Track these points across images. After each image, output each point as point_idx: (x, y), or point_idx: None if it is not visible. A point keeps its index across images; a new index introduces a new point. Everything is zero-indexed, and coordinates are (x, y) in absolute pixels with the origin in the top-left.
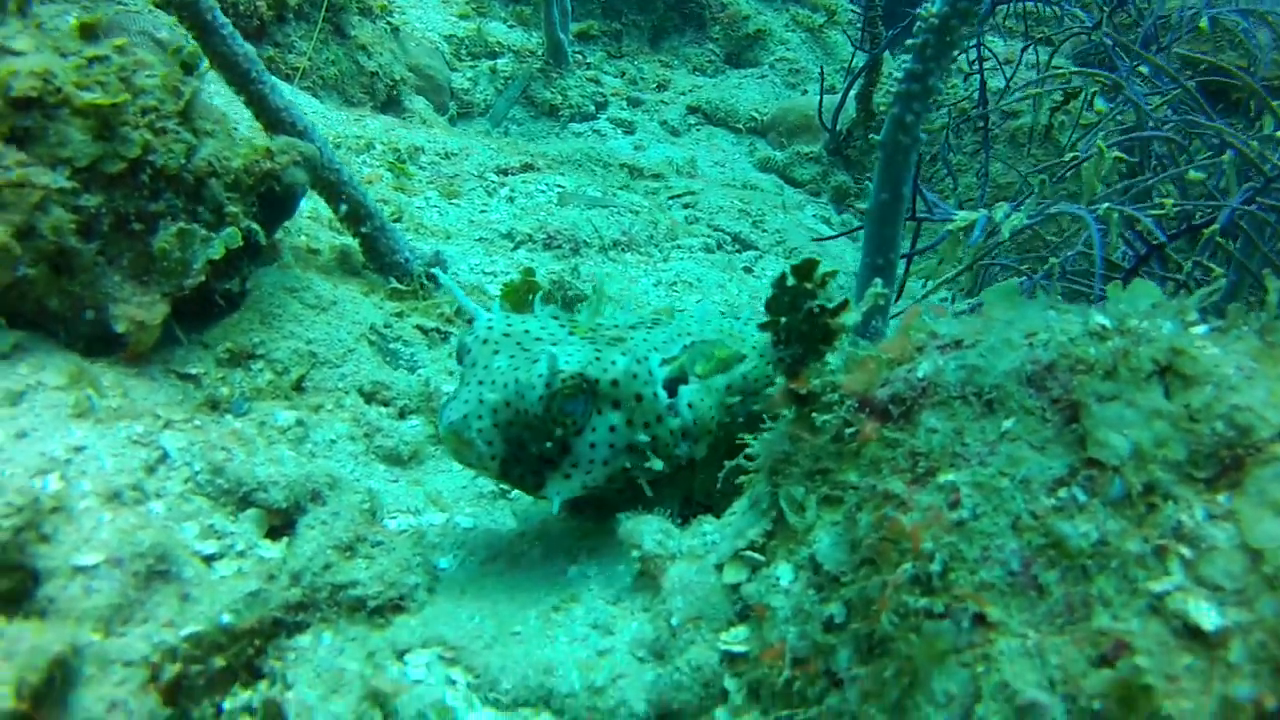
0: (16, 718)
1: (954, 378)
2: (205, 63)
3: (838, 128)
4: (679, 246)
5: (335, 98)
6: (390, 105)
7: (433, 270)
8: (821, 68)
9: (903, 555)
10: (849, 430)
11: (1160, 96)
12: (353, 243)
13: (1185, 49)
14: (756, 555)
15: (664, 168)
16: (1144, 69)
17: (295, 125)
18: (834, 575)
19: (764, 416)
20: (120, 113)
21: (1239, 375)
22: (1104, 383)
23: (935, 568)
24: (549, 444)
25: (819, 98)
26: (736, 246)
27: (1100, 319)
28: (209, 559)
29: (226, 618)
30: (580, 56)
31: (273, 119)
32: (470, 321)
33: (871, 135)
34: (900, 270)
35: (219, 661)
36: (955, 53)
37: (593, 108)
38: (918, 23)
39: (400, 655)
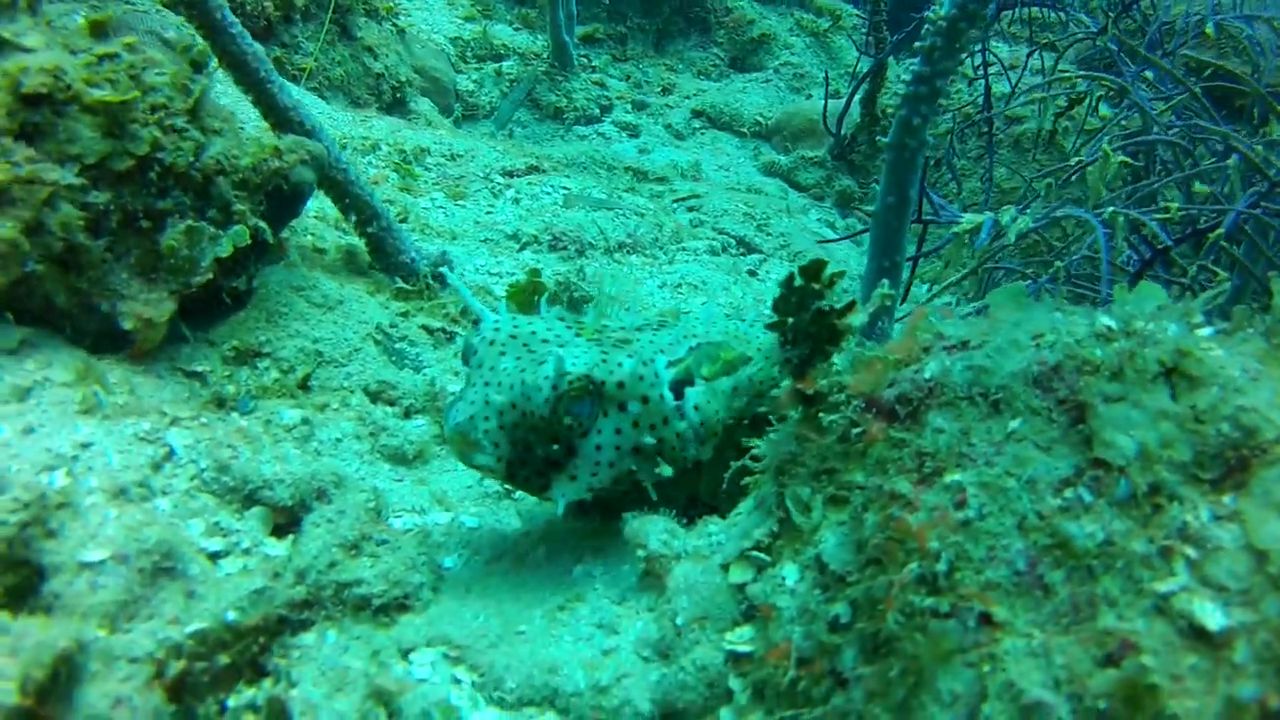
0: (22, 713)
1: (961, 378)
2: (214, 61)
3: (842, 132)
4: (684, 249)
5: (341, 98)
6: (396, 106)
7: (441, 270)
8: (826, 72)
9: (909, 555)
10: (855, 430)
11: (1165, 102)
12: (359, 242)
13: (1190, 54)
14: (762, 555)
15: (669, 171)
16: (1149, 74)
17: (303, 124)
18: (840, 575)
19: (770, 417)
20: (129, 110)
21: (1244, 377)
22: (1110, 384)
23: (941, 567)
24: (555, 446)
25: (824, 102)
26: (741, 250)
27: (1106, 321)
28: (214, 556)
29: (231, 615)
30: (585, 60)
31: (281, 118)
32: (477, 322)
33: (878, 139)
34: (906, 273)
35: (224, 659)
36: (961, 57)
37: (598, 111)
38: (925, 26)
39: (405, 654)
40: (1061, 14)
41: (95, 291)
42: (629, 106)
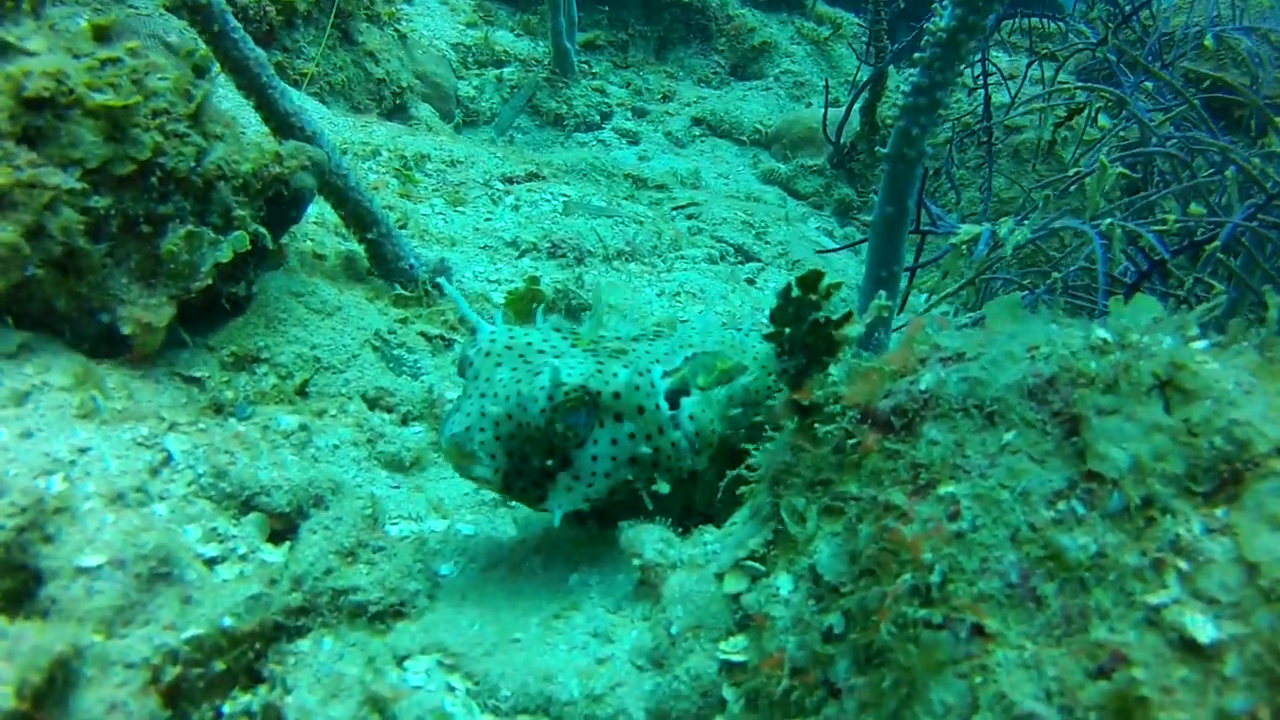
0: (17, 717)
1: (956, 390)
2: (216, 66)
3: (842, 141)
4: (682, 257)
5: (342, 104)
6: (396, 112)
7: (438, 280)
8: (826, 81)
9: (902, 566)
10: (851, 441)
11: (1164, 113)
12: (358, 248)
13: (1188, 65)
14: (757, 565)
15: (668, 178)
16: (1148, 85)
17: (304, 130)
18: (834, 586)
19: (766, 427)
20: (131, 115)
21: (1238, 390)
22: (1104, 396)
23: (934, 579)
24: (551, 457)
25: (823, 111)
26: (739, 258)
27: (1101, 333)
28: (211, 562)
29: (227, 621)
30: (586, 66)
31: (282, 124)
32: (473, 333)
33: (877, 149)
34: (903, 284)
35: (219, 665)
36: (960, 68)
37: (598, 118)
38: (925, 37)
39: (400, 661)
40: (1061, 24)
41: (95, 296)
42: (629, 113)
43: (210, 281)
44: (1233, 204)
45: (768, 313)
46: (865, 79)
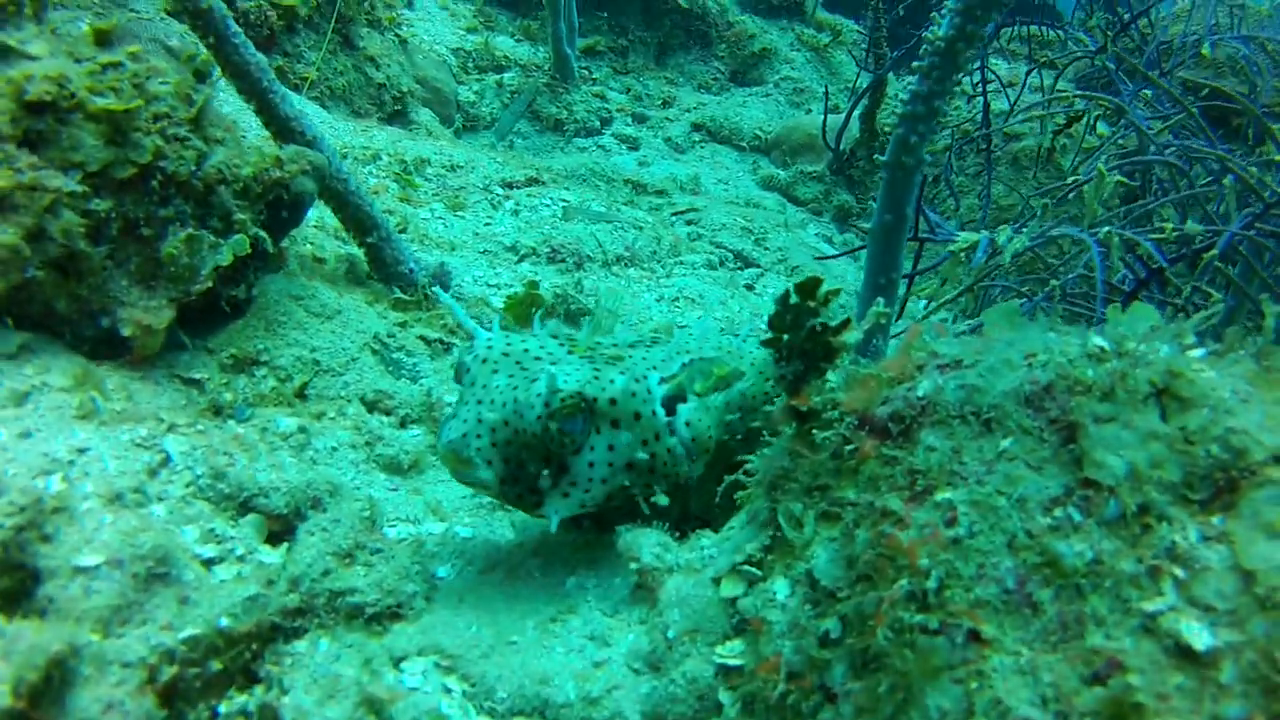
0: (14, 716)
1: (953, 397)
2: (217, 70)
3: (841, 147)
4: (682, 263)
5: (342, 108)
6: (397, 117)
7: (433, 289)
8: (826, 87)
9: (899, 572)
10: (848, 447)
11: (1162, 122)
12: (358, 252)
13: (1187, 74)
14: (754, 570)
15: (668, 184)
16: (1147, 92)
17: (305, 135)
18: (830, 590)
19: (764, 432)
20: (133, 118)
21: (1235, 398)
22: (1101, 404)
23: (931, 584)
24: (548, 463)
25: (823, 117)
26: (739, 264)
27: (1099, 341)
28: (209, 563)
29: (224, 621)
30: (586, 72)
31: (282, 128)
32: (470, 339)
33: (876, 156)
34: (902, 290)
35: (216, 665)
36: (960, 75)
37: (598, 123)
38: (923, 44)
39: (397, 663)
40: (1060, 32)
41: (95, 298)
42: (629, 119)
43: (210, 284)
44: (1230, 213)
45: (766, 318)
46: (865, 86)
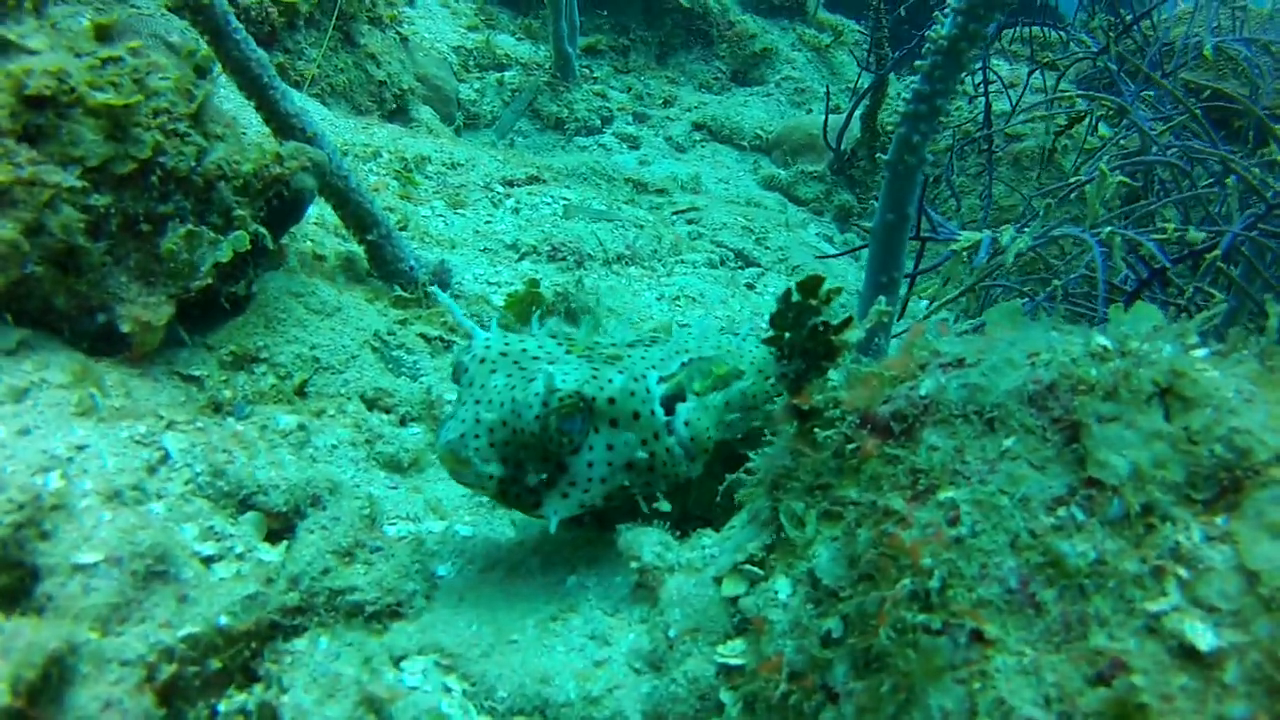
0: (12, 714)
1: (956, 396)
2: (217, 66)
3: (842, 147)
4: (682, 261)
5: (343, 105)
6: (397, 114)
7: (431, 289)
8: (827, 87)
9: (901, 571)
10: (850, 446)
11: (1164, 123)
12: (358, 249)
13: (1188, 75)
14: (755, 569)
15: (668, 183)
16: (1149, 93)
17: (305, 131)
18: (832, 590)
19: (765, 431)
20: (132, 114)
21: (1238, 398)
22: (1104, 403)
23: (934, 584)
24: (546, 463)
25: (824, 117)
26: (739, 263)
27: (1102, 340)
28: (208, 560)
29: (224, 620)
30: (587, 71)
31: (283, 124)
32: (468, 338)
33: (878, 155)
34: (903, 289)
35: (215, 663)
36: (962, 75)
37: (598, 122)
38: (926, 44)
39: (397, 661)
40: (1062, 33)
41: (94, 294)
42: (630, 118)
43: (210, 281)
44: (1232, 213)
45: (767, 317)
46: (866, 86)
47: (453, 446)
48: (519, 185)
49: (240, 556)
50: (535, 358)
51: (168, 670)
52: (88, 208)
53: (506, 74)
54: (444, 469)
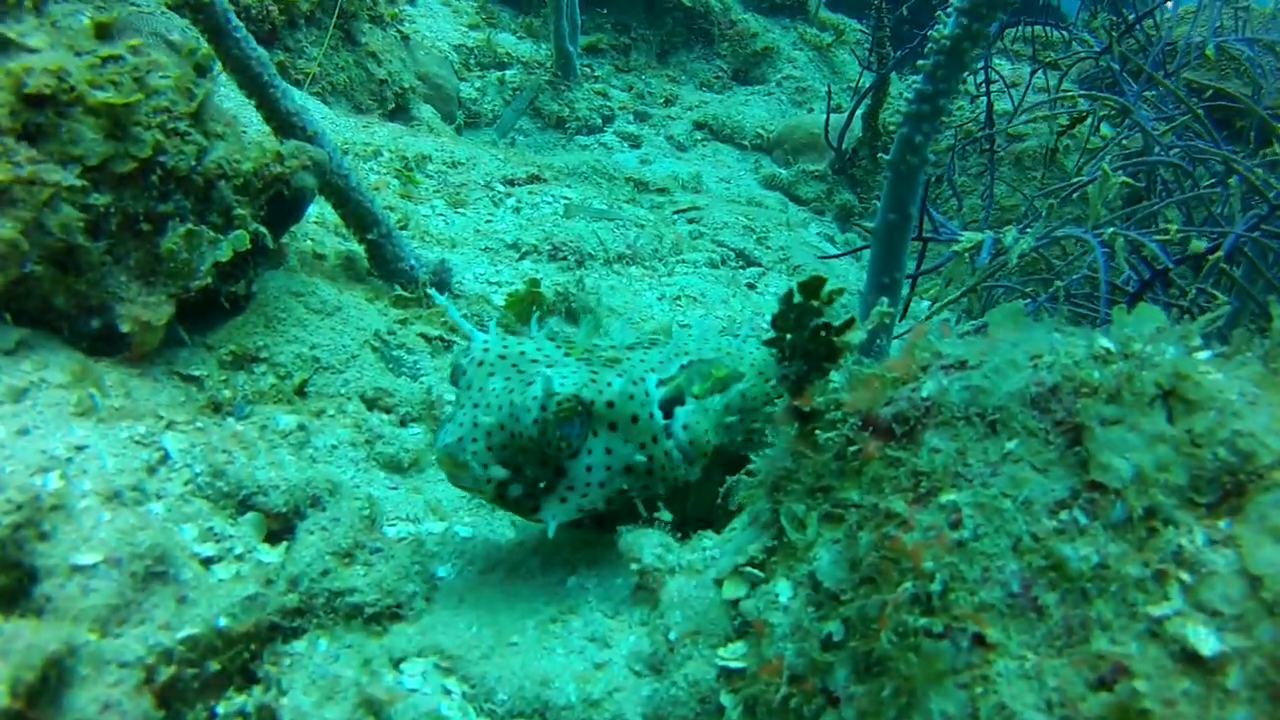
0: (11, 716)
1: (958, 398)
2: (218, 65)
3: (843, 146)
4: (683, 261)
5: (344, 104)
6: (398, 113)
7: (429, 291)
8: (829, 86)
9: (903, 574)
10: (852, 448)
11: (1166, 123)
12: (359, 249)
13: (1191, 75)
14: (756, 571)
15: (669, 182)
16: (1150, 93)
17: (306, 130)
18: (833, 593)
19: (765, 433)
20: (133, 112)
21: (1242, 401)
22: (1107, 406)
23: (935, 587)
24: (545, 467)
25: (825, 116)
26: (740, 262)
27: (1104, 343)
28: (207, 561)
29: (223, 621)
30: (588, 70)
31: (283, 123)
32: (467, 340)
33: (880, 155)
34: (905, 290)
35: (214, 665)
36: (964, 75)
37: (599, 121)
38: (929, 44)
39: (396, 663)
40: (1064, 33)
41: (94, 294)
42: (631, 117)
43: (209, 280)
44: (1235, 214)
45: (769, 318)
46: (868, 85)
47: (450, 450)
48: (520, 184)
49: (240, 557)
50: (534, 360)
51: (167, 672)
52: (87, 207)
53: (507, 73)
54: (442, 473)
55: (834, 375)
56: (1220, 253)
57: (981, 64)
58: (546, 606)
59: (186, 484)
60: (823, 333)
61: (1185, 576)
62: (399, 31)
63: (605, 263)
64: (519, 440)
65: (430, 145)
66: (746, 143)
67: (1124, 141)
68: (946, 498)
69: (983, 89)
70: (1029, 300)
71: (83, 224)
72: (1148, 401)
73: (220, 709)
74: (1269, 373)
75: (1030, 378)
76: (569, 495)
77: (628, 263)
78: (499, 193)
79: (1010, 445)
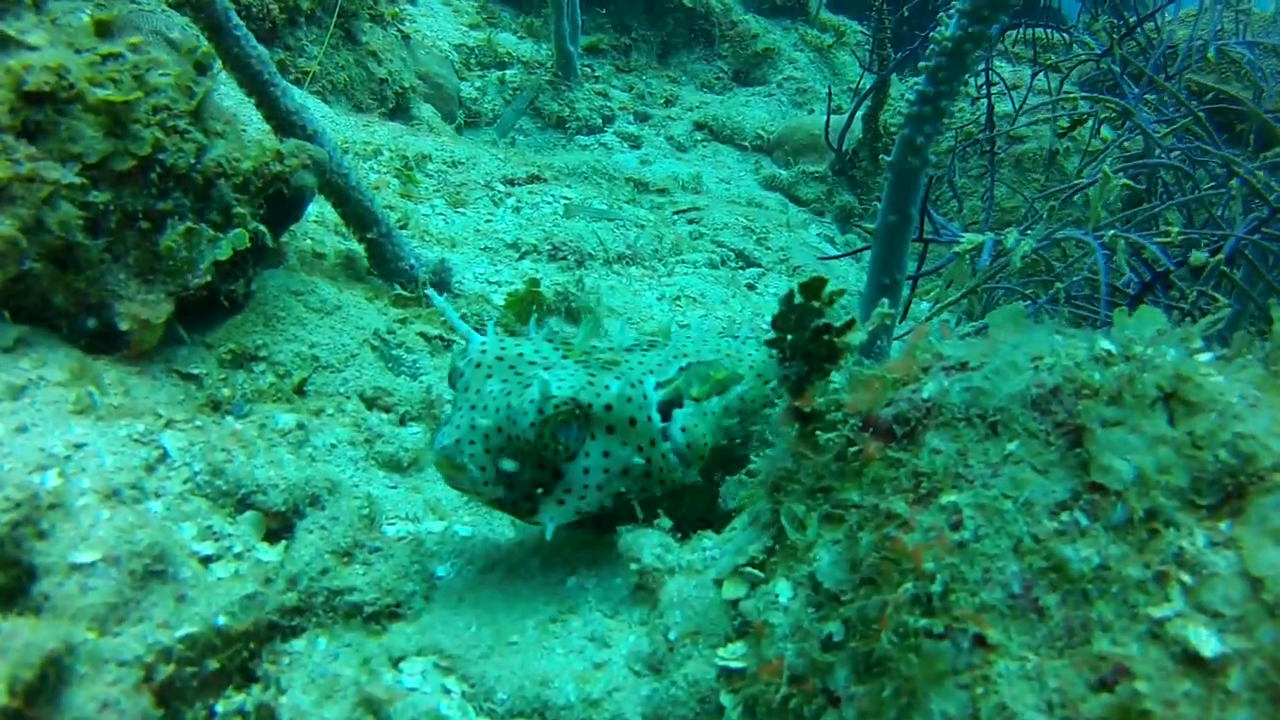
0: (9, 714)
1: (959, 399)
2: (218, 63)
3: (844, 148)
4: (683, 261)
5: (344, 103)
6: (398, 112)
7: (427, 292)
8: (829, 88)
9: (904, 575)
10: (852, 449)
11: (1167, 125)
12: (358, 248)
13: (1192, 77)
14: (756, 571)
15: (669, 183)
16: (1150, 96)
17: (305, 129)
18: (834, 593)
19: (766, 435)
20: (132, 110)
21: (1243, 403)
22: (1108, 408)
23: (936, 588)
24: (542, 469)
25: (825, 117)
26: (740, 263)
27: (1106, 344)
28: (206, 560)
29: (222, 620)
30: (589, 70)
31: (283, 122)
32: (464, 341)
33: (881, 156)
34: (906, 291)
35: (213, 664)
36: (965, 77)
37: (600, 121)
38: (930, 46)
39: (395, 663)
40: (1065, 35)
41: (93, 291)
42: (631, 117)
43: (209, 279)
44: (1235, 216)
45: (769, 319)
46: (868, 87)
47: (448, 452)
48: (520, 184)
49: (239, 556)
50: (531, 363)
51: (165, 671)
52: (86, 204)
53: (508, 72)
54: (439, 475)
55: (834, 376)
56: (1221, 255)
57: (983, 66)
58: (546, 606)
59: (185, 482)
60: (823, 334)
61: (1186, 578)
62: (399, 31)
63: (605, 263)
64: (516, 443)
65: (430, 144)
66: (747, 144)
67: (1125, 144)
68: (947, 499)
69: (984, 91)
70: (1029, 302)
71: (82, 221)
72: (1149, 403)
73: (219, 707)
74: (1270, 375)
75: (1031, 379)
76: (566, 498)
77: (627, 263)
78: (499, 192)
79: (1011, 446)
